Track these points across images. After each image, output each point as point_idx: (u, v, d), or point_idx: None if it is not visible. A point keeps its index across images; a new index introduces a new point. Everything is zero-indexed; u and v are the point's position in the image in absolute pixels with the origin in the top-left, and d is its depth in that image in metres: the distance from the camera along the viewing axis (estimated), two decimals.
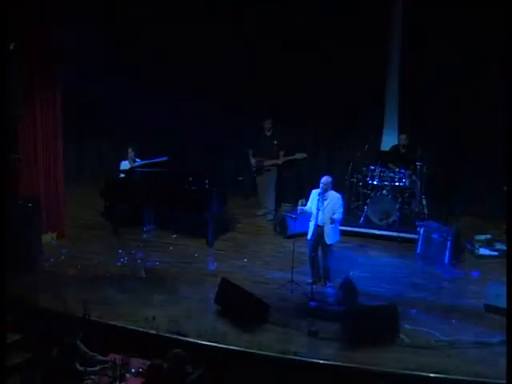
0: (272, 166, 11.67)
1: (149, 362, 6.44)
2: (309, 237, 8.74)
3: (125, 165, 11.00)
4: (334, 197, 8.66)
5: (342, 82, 11.92)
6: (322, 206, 8.54)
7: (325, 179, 8.64)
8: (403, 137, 11.42)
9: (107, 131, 13.14)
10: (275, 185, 11.80)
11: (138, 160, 11.06)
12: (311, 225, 8.64)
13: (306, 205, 8.95)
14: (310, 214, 8.68)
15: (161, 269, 9.38)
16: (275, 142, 11.63)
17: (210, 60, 12.37)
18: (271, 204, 11.78)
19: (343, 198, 8.89)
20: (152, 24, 12.27)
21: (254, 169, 11.81)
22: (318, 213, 8.50)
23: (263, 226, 11.45)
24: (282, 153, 11.63)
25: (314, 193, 8.70)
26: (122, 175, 10.86)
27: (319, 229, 8.58)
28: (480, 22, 10.69)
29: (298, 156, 11.68)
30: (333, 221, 8.53)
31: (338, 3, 11.50)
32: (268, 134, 11.67)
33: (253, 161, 11.75)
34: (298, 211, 8.96)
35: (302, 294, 8.49)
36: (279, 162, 11.64)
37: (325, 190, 8.60)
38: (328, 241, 8.66)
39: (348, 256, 9.93)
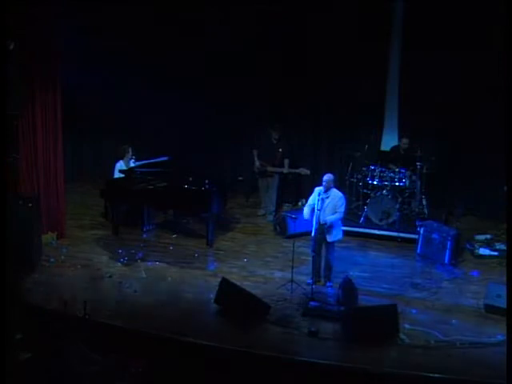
0: (275, 172, 11.69)
1: None
2: (312, 234, 8.73)
3: (120, 165, 11.00)
4: (336, 195, 8.66)
5: (341, 81, 11.92)
6: (323, 204, 8.54)
7: (327, 177, 8.64)
8: (405, 141, 11.43)
9: (107, 131, 13.15)
10: (277, 188, 11.83)
11: (133, 159, 11.06)
12: (314, 223, 8.63)
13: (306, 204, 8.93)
14: (312, 213, 8.64)
15: (161, 269, 9.39)
16: (280, 150, 11.65)
17: (210, 60, 12.36)
18: (271, 206, 11.79)
19: (345, 198, 8.88)
20: (152, 24, 12.27)
21: (257, 170, 11.82)
22: (318, 213, 8.50)
23: (263, 226, 11.45)
24: (287, 161, 11.66)
25: (316, 190, 8.70)
26: (121, 175, 10.85)
27: (321, 227, 8.58)
28: (480, 22, 10.70)
29: (302, 172, 11.71)
30: (328, 223, 8.53)
31: (338, 4, 11.50)
32: (274, 141, 11.68)
33: (257, 163, 11.75)
34: (305, 217, 8.91)
35: (302, 294, 8.49)
36: (284, 171, 11.68)
37: (327, 188, 8.60)
38: (329, 238, 8.68)
39: (348, 256, 9.92)
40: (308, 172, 11.71)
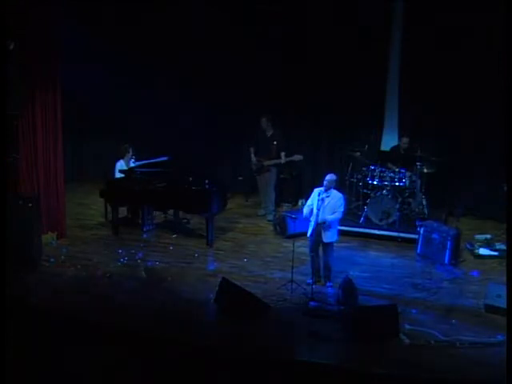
0: (273, 165, 11.68)
1: None
2: (308, 234, 8.74)
3: (121, 165, 10.99)
4: (335, 195, 8.65)
5: (341, 81, 11.92)
6: (323, 204, 8.54)
7: (329, 177, 8.62)
8: (405, 140, 11.43)
9: (107, 131, 13.15)
10: (275, 185, 11.83)
11: (133, 159, 11.06)
12: (311, 223, 8.64)
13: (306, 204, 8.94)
14: (311, 213, 8.66)
15: (161, 269, 9.39)
16: (275, 143, 11.63)
17: (210, 60, 12.36)
18: (271, 204, 11.79)
19: (344, 198, 8.88)
20: (152, 25, 12.28)
21: (255, 167, 11.82)
22: (317, 213, 8.51)
23: (263, 226, 11.45)
24: (283, 153, 11.64)
25: (316, 191, 8.69)
26: (122, 175, 10.85)
27: (318, 227, 8.58)
28: (480, 22, 10.70)
29: (295, 158, 11.73)
30: (326, 222, 8.54)
31: (338, 4, 11.51)
32: (268, 134, 11.67)
33: (254, 159, 11.76)
34: (304, 216, 8.91)
35: (302, 294, 8.49)
36: (282, 161, 11.65)
37: (327, 188, 8.59)
38: (325, 239, 8.66)
39: (348, 256, 9.92)
40: (301, 157, 11.76)
